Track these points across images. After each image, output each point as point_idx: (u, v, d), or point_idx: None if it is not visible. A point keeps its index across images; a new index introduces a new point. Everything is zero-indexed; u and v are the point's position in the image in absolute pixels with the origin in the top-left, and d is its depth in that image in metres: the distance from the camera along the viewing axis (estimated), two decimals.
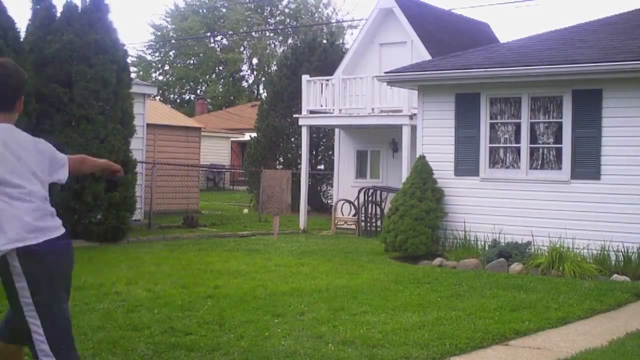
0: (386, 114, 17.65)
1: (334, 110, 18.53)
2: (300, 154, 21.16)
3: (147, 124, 19.08)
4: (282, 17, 59.41)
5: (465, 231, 13.35)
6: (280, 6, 58.95)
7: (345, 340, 6.68)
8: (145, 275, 10.17)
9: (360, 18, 59.87)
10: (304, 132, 19.15)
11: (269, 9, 58.63)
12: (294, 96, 24.24)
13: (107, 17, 15.26)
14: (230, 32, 57.17)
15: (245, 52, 59.63)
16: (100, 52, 14.80)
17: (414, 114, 15.62)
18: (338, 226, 18.68)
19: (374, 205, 18.03)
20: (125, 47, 15.65)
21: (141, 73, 55.63)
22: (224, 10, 58.47)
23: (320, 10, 58.45)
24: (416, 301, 8.73)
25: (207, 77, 59.37)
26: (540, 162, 13.00)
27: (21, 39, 13.84)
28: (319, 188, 26.05)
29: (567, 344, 6.95)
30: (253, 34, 57.73)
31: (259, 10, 57.82)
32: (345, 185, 20.26)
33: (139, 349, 6.25)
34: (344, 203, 19.09)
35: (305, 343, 6.55)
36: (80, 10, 15.14)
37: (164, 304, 8.11)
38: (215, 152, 38.70)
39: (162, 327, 7.03)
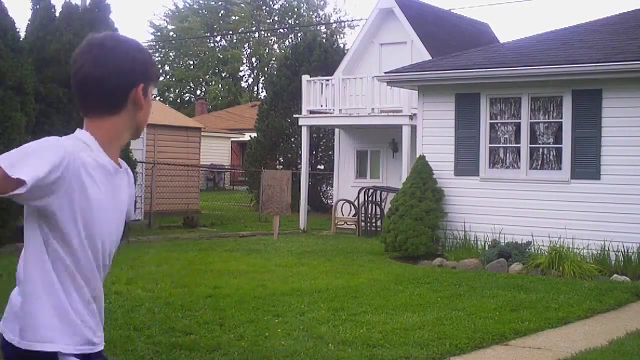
0: (386, 114, 17.64)
1: (334, 110, 18.52)
2: (300, 154, 21.15)
3: (147, 124, 19.05)
4: (278, 18, 59.34)
5: (465, 231, 13.34)
6: (276, 6, 58.90)
7: (345, 340, 6.68)
8: (145, 275, 10.16)
9: (353, 19, 59.82)
10: (304, 132, 19.14)
11: (266, 8, 58.59)
12: (294, 96, 24.22)
13: (109, 17, 15.26)
14: (230, 32, 57.13)
15: (245, 52, 59.60)
16: None
17: (414, 114, 15.61)
18: (338, 226, 18.66)
19: (374, 205, 18.01)
20: None
21: None
22: (224, 11, 58.40)
23: (309, 5, 58.33)
24: (416, 301, 8.72)
25: (207, 77, 59.34)
26: (540, 162, 12.99)
27: (21, 39, 13.84)
28: (319, 188, 26.03)
29: (567, 344, 6.95)
30: (253, 34, 57.69)
31: (255, 11, 57.76)
32: (345, 185, 20.25)
33: (139, 349, 6.25)
34: (344, 203, 19.07)
35: (305, 343, 6.55)
36: (80, 10, 15.14)
37: (164, 304, 8.11)
38: (215, 152, 38.66)
39: (162, 327, 7.02)
